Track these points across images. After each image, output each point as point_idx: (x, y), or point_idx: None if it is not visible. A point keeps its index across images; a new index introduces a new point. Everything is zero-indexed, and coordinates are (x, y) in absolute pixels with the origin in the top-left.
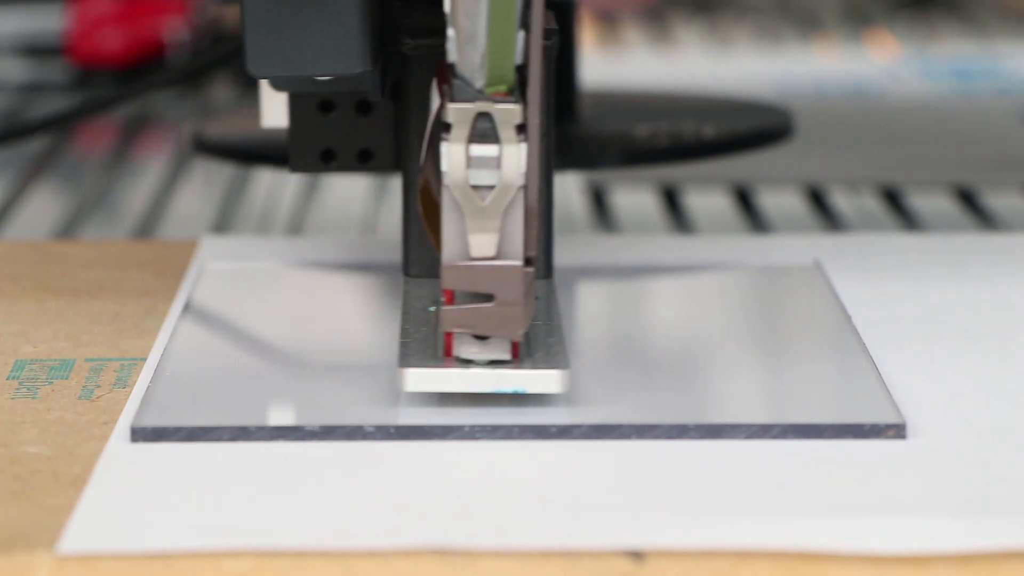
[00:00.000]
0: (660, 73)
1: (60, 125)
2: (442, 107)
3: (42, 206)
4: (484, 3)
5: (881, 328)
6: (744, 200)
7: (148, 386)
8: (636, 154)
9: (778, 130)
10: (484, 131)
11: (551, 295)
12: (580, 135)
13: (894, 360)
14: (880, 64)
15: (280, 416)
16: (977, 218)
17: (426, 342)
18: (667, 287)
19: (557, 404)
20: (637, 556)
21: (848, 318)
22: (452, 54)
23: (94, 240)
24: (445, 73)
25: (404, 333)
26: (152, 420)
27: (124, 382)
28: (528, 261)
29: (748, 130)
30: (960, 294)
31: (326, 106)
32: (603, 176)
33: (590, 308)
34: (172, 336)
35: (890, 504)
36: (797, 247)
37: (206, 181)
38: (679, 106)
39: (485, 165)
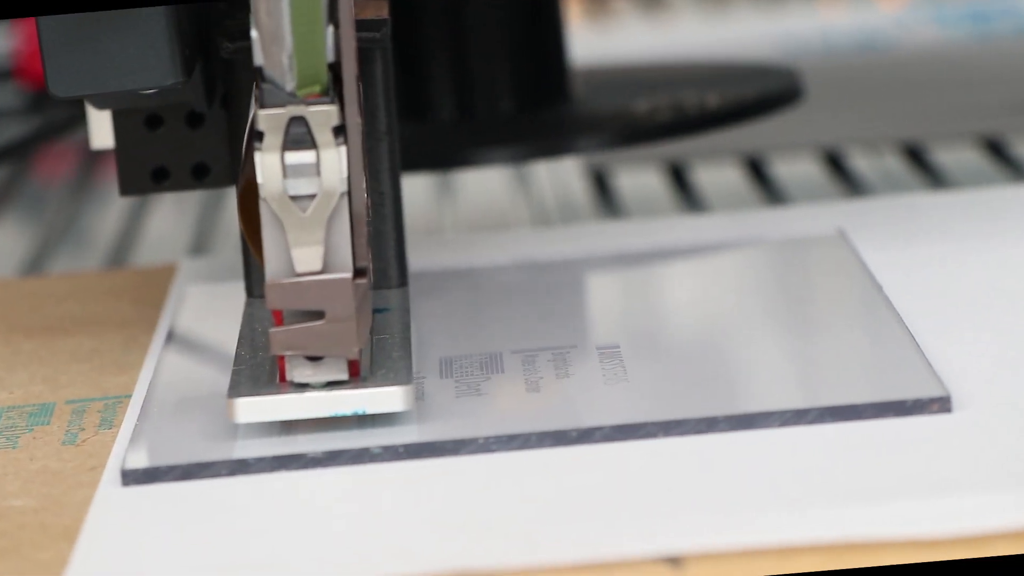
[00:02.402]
0: (656, 43)
1: (17, 153)
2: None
3: (5, 240)
4: (286, 0)
5: (914, 295)
6: (757, 171)
7: (136, 425)
8: (637, 132)
9: (786, 93)
10: (299, 137)
11: (405, 305)
12: (574, 116)
13: (931, 329)
14: (889, 14)
15: (280, 445)
16: (1007, 169)
17: (261, 368)
18: (681, 271)
19: (577, 408)
20: (674, 562)
21: (878, 287)
22: (258, 56)
23: (64, 273)
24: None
25: (238, 359)
26: (143, 461)
27: (110, 423)
28: (359, 272)
29: (754, 96)
30: (996, 253)
31: (154, 121)
32: (603, 158)
33: (599, 300)
34: (157, 369)
35: (940, 483)
36: (818, 216)
37: (178, 201)
38: (679, 76)
39: (302, 173)
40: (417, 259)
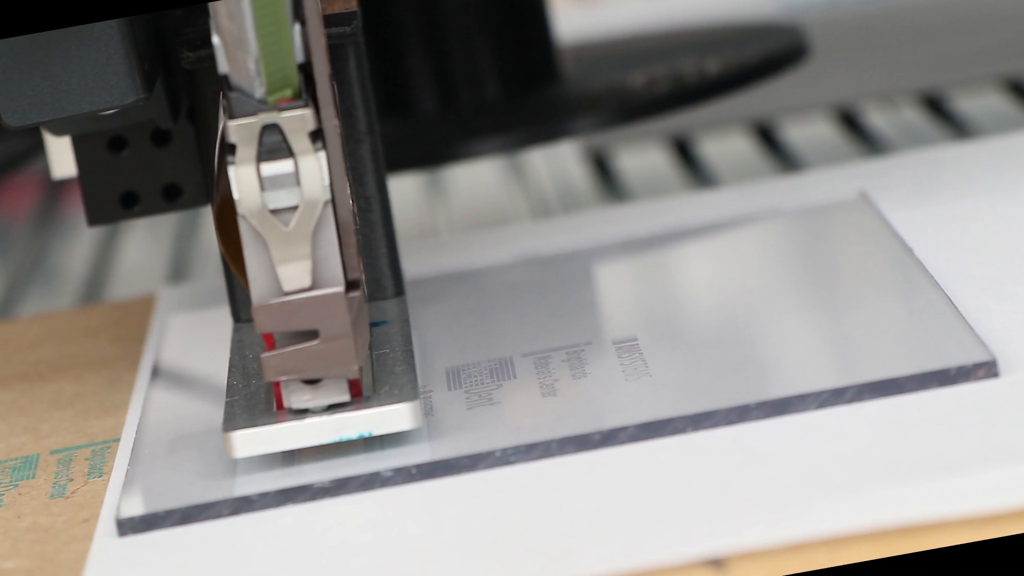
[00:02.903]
0: (647, 11)
1: None
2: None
3: None
4: (247, 1)
5: (947, 255)
6: (767, 138)
7: (127, 470)
8: (634, 107)
9: (792, 52)
10: (273, 145)
11: (404, 315)
12: (566, 97)
13: (968, 289)
14: None
15: (284, 477)
16: None
17: (256, 396)
18: (696, 253)
19: (599, 410)
20: (718, 564)
21: (908, 250)
22: (222, 64)
23: (36, 314)
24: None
25: (230, 390)
26: (139, 508)
27: (99, 470)
28: (352, 285)
29: (757, 58)
30: None
31: (117, 143)
32: (601, 139)
33: (611, 292)
34: (144, 408)
35: (994, 453)
36: (837, 180)
37: (152, 227)
38: (675, 44)
39: (281, 184)
40: (412, 265)
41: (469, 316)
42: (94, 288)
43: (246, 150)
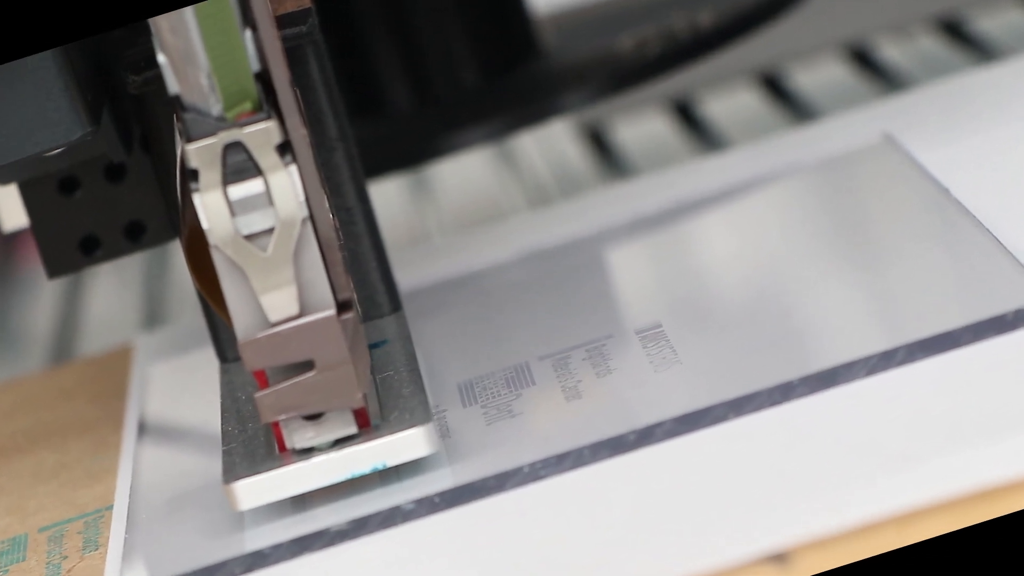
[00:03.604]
0: None
1: None
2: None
3: None
4: (190, 12)
5: (986, 191)
6: (775, 88)
7: (125, 539)
8: (627, 73)
9: None
10: (239, 165)
11: (404, 332)
12: (550, 72)
13: (1014, 226)
14: None
15: (296, 524)
16: None
17: (254, 441)
18: (714, 223)
19: (623, 411)
20: (780, 559)
21: (945, 190)
22: (172, 83)
23: (4, 381)
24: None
25: (226, 437)
26: None
27: (95, 543)
28: (344, 306)
29: (754, 2)
30: None
31: (68, 185)
32: (595, 112)
33: (626, 278)
34: (135, 469)
35: None
36: (857, 124)
37: (118, 271)
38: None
39: (253, 206)
40: (406, 276)
41: (475, 324)
42: (63, 345)
43: (210, 174)
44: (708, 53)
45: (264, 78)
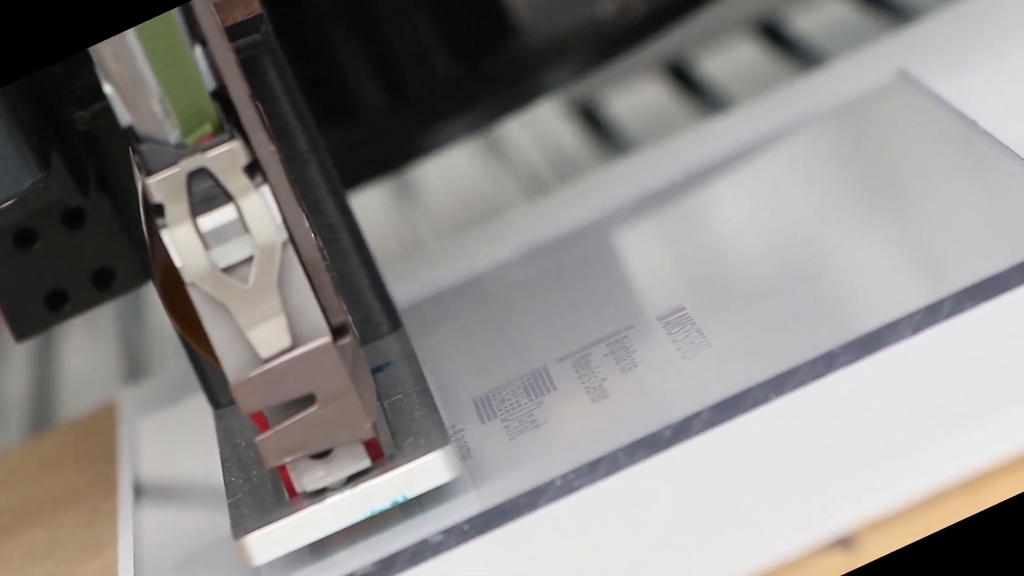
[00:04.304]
0: None
1: None
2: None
3: None
4: (132, 34)
5: (1015, 119)
6: (775, 36)
7: None
8: (612, 41)
9: None
10: (206, 193)
11: (407, 351)
12: (529, 49)
13: None
14: None
15: (318, 573)
16: None
17: (261, 489)
18: (727, 190)
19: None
20: (845, 544)
21: (971, 123)
22: (123, 115)
23: None
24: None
25: (230, 489)
26: None
27: None
28: (339, 330)
29: None
30: None
31: (25, 237)
32: (584, 87)
33: (639, 262)
34: (136, 536)
35: None
36: (868, 63)
37: (90, 325)
38: None
39: (227, 236)
40: (402, 290)
41: (483, 332)
42: (42, 411)
43: (176, 206)
44: (697, 7)
45: (221, 96)
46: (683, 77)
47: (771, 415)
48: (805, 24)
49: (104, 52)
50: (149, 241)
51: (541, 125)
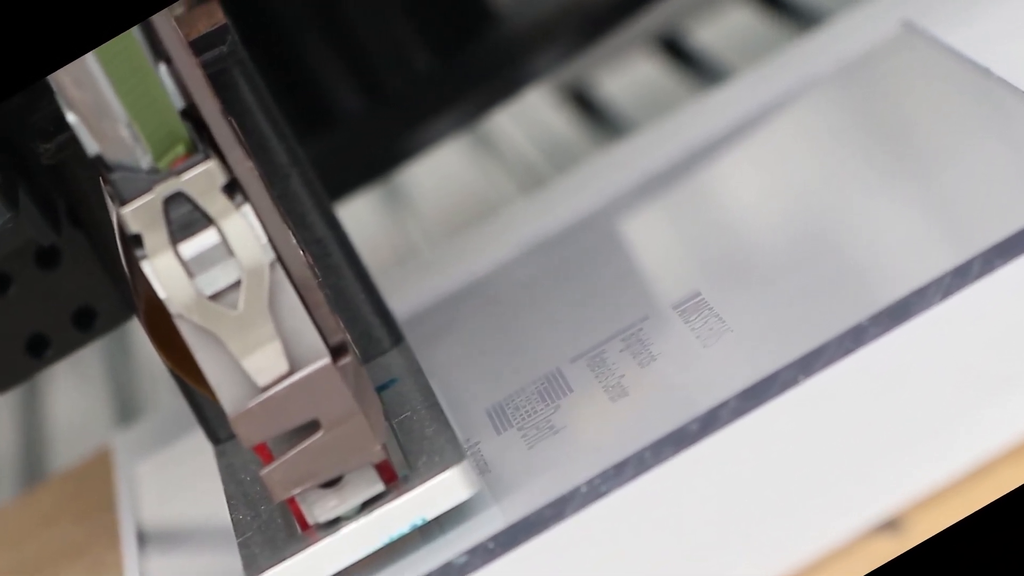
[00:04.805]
0: None
1: None
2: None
3: None
4: (91, 58)
5: None
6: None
7: None
8: (598, 18)
9: None
10: (185, 218)
11: (412, 365)
12: (512, 35)
13: None
14: None
15: None
16: None
17: (271, 524)
18: (734, 165)
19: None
20: (892, 526)
21: (985, 71)
22: (90, 144)
23: None
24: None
25: (238, 527)
26: None
27: None
28: (338, 350)
29: None
30: None
31: None
32: (573, 71)
33: (648, 249)
34: None
35: None
36: (870, 17)
37: (75, 368)
38: None
39: (211, 261)
40: (401, 301)
41: (490, 338)
42: (33, 464)
43: (155, 235)
44: None
45: (192, 114)
46: (676, 50)
47: (801, 398)
48: None
49: (64, 79)
50: (130, 274)
51: (531, 114)
